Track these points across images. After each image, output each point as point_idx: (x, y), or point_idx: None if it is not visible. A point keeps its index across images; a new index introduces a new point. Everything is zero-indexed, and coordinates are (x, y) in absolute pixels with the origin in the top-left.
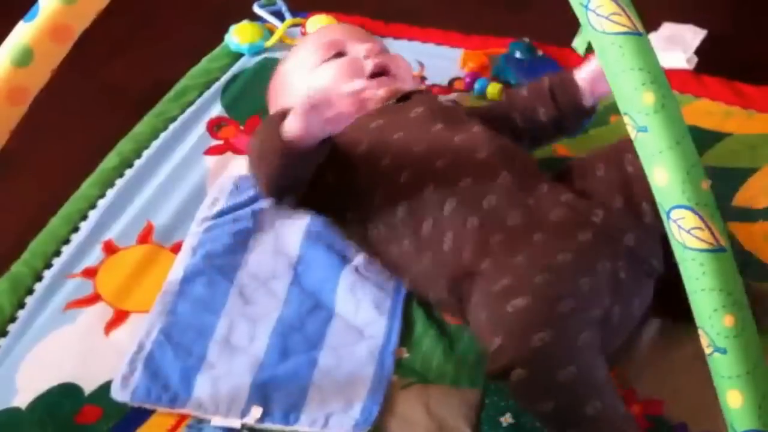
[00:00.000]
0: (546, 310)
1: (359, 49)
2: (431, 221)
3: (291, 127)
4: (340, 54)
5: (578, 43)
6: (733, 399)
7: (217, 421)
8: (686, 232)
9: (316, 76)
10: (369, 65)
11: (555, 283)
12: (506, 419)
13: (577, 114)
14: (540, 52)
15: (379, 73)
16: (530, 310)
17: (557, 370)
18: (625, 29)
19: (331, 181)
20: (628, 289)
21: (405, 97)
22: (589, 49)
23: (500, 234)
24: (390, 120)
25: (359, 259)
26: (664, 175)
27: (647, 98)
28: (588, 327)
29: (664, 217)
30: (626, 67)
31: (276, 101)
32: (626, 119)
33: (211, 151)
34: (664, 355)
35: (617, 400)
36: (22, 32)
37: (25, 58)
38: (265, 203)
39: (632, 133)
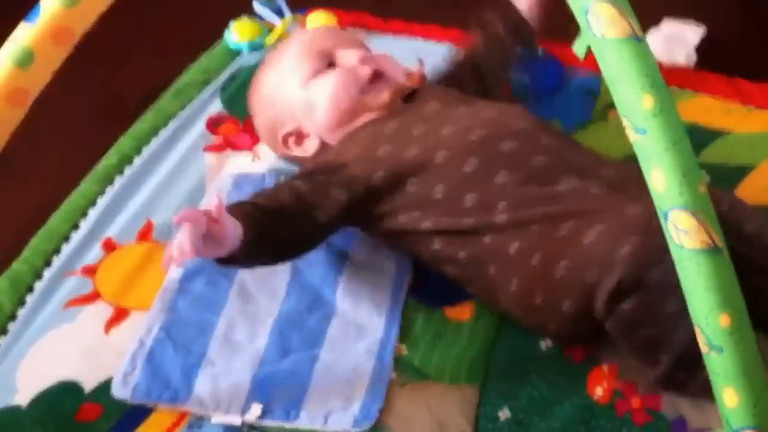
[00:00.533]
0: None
1: (350, 56)
2: (505, 203)
3: (184, 253)
4: (331, 64)
5: (578, 47)
6: (729, 397)
7: (218, 418)
8: (683, 233)
9: (315, 92)
10: (365, 72)
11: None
12: (504, 414)
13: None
14: (540, 49)
15: (376, 77)
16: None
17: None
18: (624, 34)
19: (373, 201)
20: None
21: (409, 97)
22: (589, 53)
23: (569, 178)
24: (405, 120)
25: (359, 256)
26: (662, 178)
27: (646, 102)
28: None
29: (662, 218)
30: (625, 72)
31: (267, 114)
32: (625, 122)
33: (210, 148)
34: None
35: None
36: (24, 33)
37: (26, 60)
38: None
39: (631, 136)
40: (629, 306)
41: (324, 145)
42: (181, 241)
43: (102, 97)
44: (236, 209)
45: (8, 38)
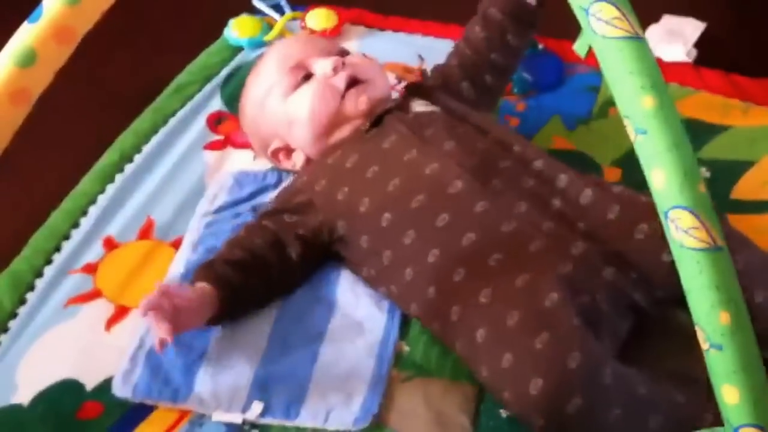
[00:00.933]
0: (575, 337)
1: (324, 65)
2: (412, 269)
3: (164, 342)
4: (307, 76)
5: (579, 46)
6: (730, 395)
7: (219, 416)
8: (683, 232)
9: (294, 107)
10: (340, 82)
11: (555, 340)
12: (504, 411)
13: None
14: (540, 45)
15: (352, 83)
16: (559, 341)
17: (606, 416)
18: (625, 34)
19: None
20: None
21: (378, 120)
22: (590, 52)
23: (485, 276)
24: (364, 154)
25: None
26: (663, 177)
27: (647, 102)
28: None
29: (662, 217)
30: (626, 71)
31: (260, 132)
32: (626, 122)
33: (210, 146)
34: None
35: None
36: (26, 33)
37: (28, 60)
38: (265, 198)
39: (632, 135)
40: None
41: (307, 158)
42: (156, 332)
43: (102, 93)
44: (205, 273)
45: (11, 37)
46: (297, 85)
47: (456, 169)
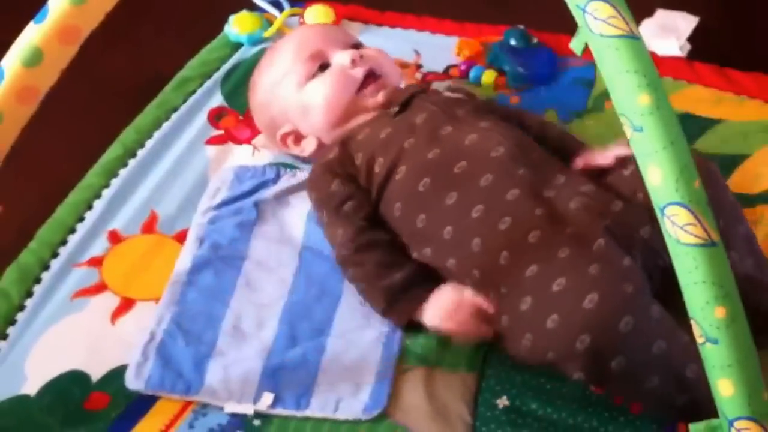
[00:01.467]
0: (617, 294)
1: (343, 57)
2: (453, 227)
3: (434, 323)
4: (324, 65)
5: (575, 44)
6: (725, 388)
7: (230, 407)
8: (680, 228)
9: (309, 95)
10: (358, 73)
11: (609, 268)
12: (502, 402)
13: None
14: (535, 40)
15: (370, 76)
16: (606, 300)
17: (650, 346)
18: (621, 32)
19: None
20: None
21: (406, 103)
22: (586, 50)
23: (533, 231)
24: (397, 129)
25: None
26: (659, 174)
27: (643, 100)
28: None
29: (658, 213)
30: (623, 70)
31: (264, 115)
32: (623, 119)
33: (212, 141)
34: None
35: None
36: (32, 33)
37: (34, 59)
38: (266, 193)
39: (628, 133)
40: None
41: (321, 144)
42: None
43: (104, 88)
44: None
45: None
46: (313, 75)
47: (497, 137)
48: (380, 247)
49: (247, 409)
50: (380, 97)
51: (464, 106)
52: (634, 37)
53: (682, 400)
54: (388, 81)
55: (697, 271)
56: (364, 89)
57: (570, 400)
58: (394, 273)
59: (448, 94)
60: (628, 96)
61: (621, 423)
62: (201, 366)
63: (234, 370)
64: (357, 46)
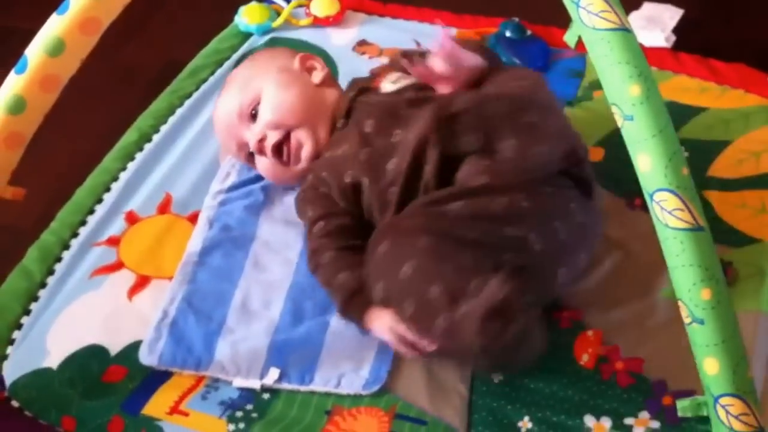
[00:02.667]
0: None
1: (251, 137)
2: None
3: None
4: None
5: (568, 37)
6: (710, 366)
7: (238, 382)
8: (668, 213)
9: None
10: (270, 155)
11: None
12: (497, 377)
13: None
14: (529, 32)
15: (279, 150)
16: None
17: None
18: (613, 26)
19: None
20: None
21: (350, 111)
22: (579, 42)
23: None
24: (351, 143)
25: None
26: (648, 161)
27: (634, 90)
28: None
29: (648, 199)
30: (614, 61)
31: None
32: (614, 109)
33: None
34: (647, 317)
35: None
36: (55, 24)
37: (57, 49)
38: None
39: (619, 122)
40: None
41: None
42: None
43: (119, 75)
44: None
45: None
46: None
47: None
48: (337, 255)
49: (254, 383)
50: (304, 162)
51: (406, 95)
52: (625, 30)
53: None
54: (297, 138)
55: (684, 254)
56: (283, 161)
57: (561, 374)
58: (343, 273)
59: (391, 87)
60: (620, 86)
61: (609, 396)
62: (210, 343)
63: (242, 347)
64: (254, 112)
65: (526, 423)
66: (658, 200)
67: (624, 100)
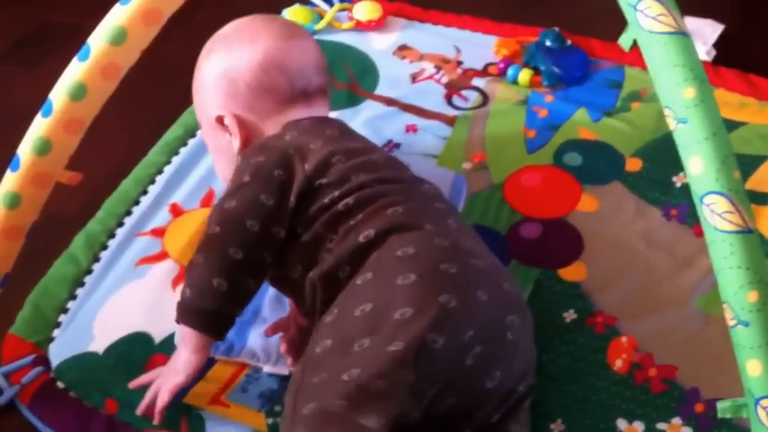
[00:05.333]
0: None
1: None
2: None
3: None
4: None
5: (623, 40)
6: (753, 368)
7: (268, 369)
8: (718, 216)
9: None
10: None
11: None
12: None
13: None
14: (569, 42)
15: None
16: None
17: None
18: (670, 29)
19: None
20: None
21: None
22: (634, 46)
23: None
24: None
25: None
26: (700, 164)
27: (688, 93)
28: None
29: (697, 202)
30: (670, 64)
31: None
32: (667, 112)
33: None
34: (681, 325)
35: None
36: (118, 14)
37: (119, 38)
38: None
39: (672, 124)
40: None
41: None
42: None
43: (162, 74)
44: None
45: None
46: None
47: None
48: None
49: (283, 370)
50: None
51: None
52: (682, 34)
53: None
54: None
55: (732, 256)
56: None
57: (594, 378)
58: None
59: None
60: (674, 89)
61: (641, 401)
62: (244, 331)
63: (274, 336)
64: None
65: (558, 425)
66: (708, 203)
67: (678, 103)
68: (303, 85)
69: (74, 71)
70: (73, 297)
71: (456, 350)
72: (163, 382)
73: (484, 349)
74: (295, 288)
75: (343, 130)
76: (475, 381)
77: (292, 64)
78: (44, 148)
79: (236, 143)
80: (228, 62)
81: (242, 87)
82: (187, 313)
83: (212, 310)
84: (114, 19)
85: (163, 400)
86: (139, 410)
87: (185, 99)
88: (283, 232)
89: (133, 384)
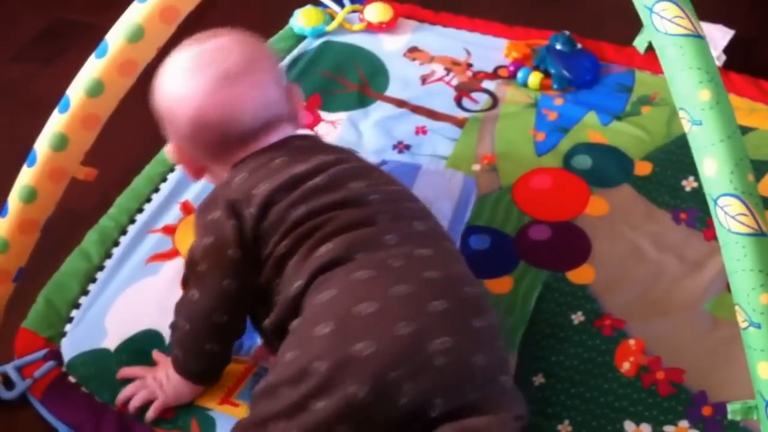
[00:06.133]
0: None
1: None
2: None
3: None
4: None
5: (638, 42)
6: (764, 370)
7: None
8: (732, 218)
9: None
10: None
11: None
12: (538, 380)
13: None
14: (579, 45)
15: None
16: None
17: None
18: (686, 32)
19: None
20: None
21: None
22: (649, 48)
23: None
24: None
25: None
26: (714, 166)
27: (704, 95)
28: None
29: (711, 204)
30: (685, 66)
31: None
32: (682, 114)
33: None
34: (689, 329)
35: None
36: (136, 12)
37: (136, 35)
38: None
39: (686, 126)
40: None
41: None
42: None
43: None
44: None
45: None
46: None
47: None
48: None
49: None
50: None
51: None
52: (698, 36)
53: None
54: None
55: (745, 259)
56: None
57: (602, 380)
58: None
59: None
60: (690, 91)
61: (649, 404)
62: (252, 330)
63: None
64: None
65: (566, 426)
66: (723, 205)
67: (693, 105)
68: (241, 130)
69: (92, 68)
70: (85, 292)
71: (384, 394)
72: (158, 394)
73: (416, 384)
74: (261, 332)
75: (294, 153)
76: (417, 415)
77: (223, 117)
78: (61, 143)
79: (189, 174)
80: (167, 107)
81: (183, 134)
82: (183, 373)
83: (208, 368)
84: (132, 16)
85: (149, 417)
86: (118, 401)
87: None
88: (249, 295)
89: (120, 374)
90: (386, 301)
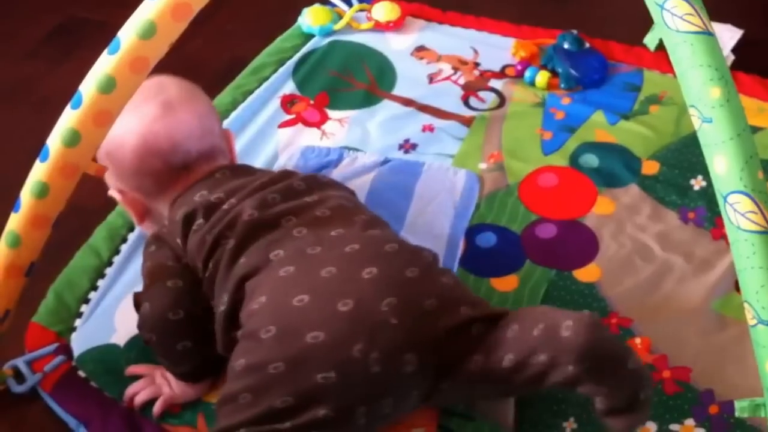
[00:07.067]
0: None
1: None
2: None
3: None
4: None
5: (649, 39)
6: None
7: None
8: (741, 215)
9: None
10: None
11: None
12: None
13: None
14: (587, 44)
15: None
16: None
17: None
18: (697, 29)
19: None
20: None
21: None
22: (660, 46)
23: None
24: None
25: (417, 225)
26: (725, 163)
27: (714, 93)
28: None
29: (720, 201)
30: (696, 64)
31: None
32: (692, 111)
33: (284, 124)
34: (696, 328)
35: None
36: (148, 9)
37: (148, 32)
38: (331, 169)
39: (697, 124)
40: None
41: None
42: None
43: (185, 69)
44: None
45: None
46: None
47: None
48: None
49: None
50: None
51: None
52: (708, 34)
53: None
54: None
55: (754, 256)
56: None
57: None
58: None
59: None
60: (700, 89)
61: (655, 402)
62: None
63: None
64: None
65: (571, 423)
66: (732, 202)
67: (704, 103)
68: (181, 160)
69: (104, 64)
70: (95, 288)
71: (351, 372)
72: (164, 390)
73: (380, 349)
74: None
75: (216, 181)
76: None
77: (164, 145)
78: (73, 139)
79: (134, 218)
80: (112, 143)
81: (128, 168)
82: (176, 376)
83: (194, 365)
84: (144, 13)
85: (156, 412)
86: (126, 396)
87: (209, 94)
88: (199, 288)
89: (129, 372)
90: (317, 287)
